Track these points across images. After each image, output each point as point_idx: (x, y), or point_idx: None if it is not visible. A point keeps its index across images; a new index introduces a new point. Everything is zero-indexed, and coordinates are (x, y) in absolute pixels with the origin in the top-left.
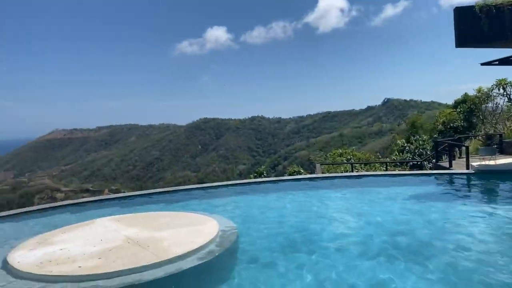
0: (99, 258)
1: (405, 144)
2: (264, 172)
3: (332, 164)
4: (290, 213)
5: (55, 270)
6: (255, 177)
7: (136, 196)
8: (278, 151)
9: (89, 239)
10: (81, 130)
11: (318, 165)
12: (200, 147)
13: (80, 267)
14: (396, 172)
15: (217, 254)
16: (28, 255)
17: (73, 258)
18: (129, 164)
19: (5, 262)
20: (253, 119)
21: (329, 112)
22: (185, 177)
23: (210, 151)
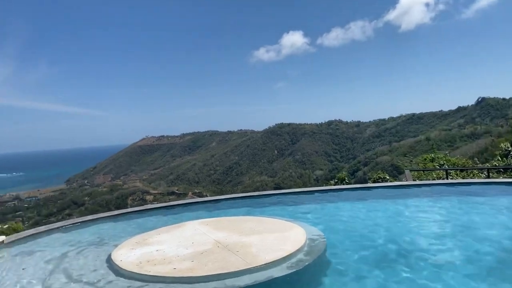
0: (192, 261)
1: (510, 148)
2: (346, 178)
3: (423, 171)
4: (380, 223)
5: (153, 271)
6: (336, 183)
7: (220, 200)
8: (357, 156)
9: (181, 241)
10: (167, 137)
11: (407, 172)
12: (276, 152)
13: (175, 268)
14: (502, 179)
15: (306, 263)
16: (129, 254)
17: (168, 259)
18: (210, 168)
19: (110, 259)
20: (330, 123)
21: (413, 114)
22: (262, 181)
23: (286, 156)
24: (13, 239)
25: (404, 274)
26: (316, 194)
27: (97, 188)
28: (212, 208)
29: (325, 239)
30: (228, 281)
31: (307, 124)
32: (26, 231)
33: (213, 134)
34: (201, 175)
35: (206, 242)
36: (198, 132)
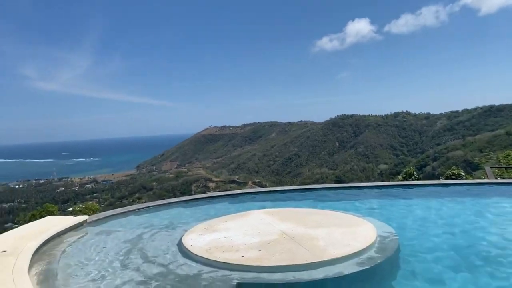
0: (259, 250)
1: None
2: (415, 173)
3: (506, 168)
4: (458, 223)
5: (222, 257)
6: (404, 178)
7: (284, 191)
8: (426, 150)
9: (247, 229)
10: (229, 127)
11: (488, 169)
12: (337, 144)
13: (243, 257)
14: None
15: (378, 261)
16: (198, 239)
17: (236, 247)
18: (270, 159)
19: (181, 243)
20: (396, 115)
21: (492, 106)
22: (322, 174)
23: (348, 149)
24: (94, 218)
25: (486, 280)
26: (385, 188)
27: (164, 174)
28: (274, 198)
29: (397, 237)
30: (296, 274)
31: (371, 116)
32: (105, 212)
33: (273, 125)
34: (261, 165)
35: (272, 232)
36: (258, 122)
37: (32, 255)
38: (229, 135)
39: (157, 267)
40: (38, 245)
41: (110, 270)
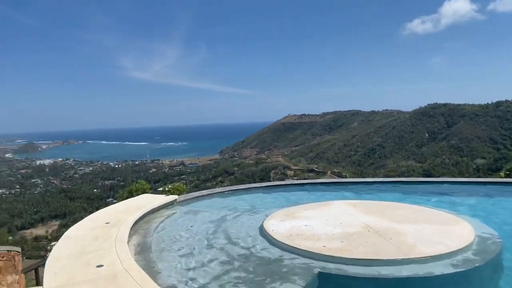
0: (341, 241)
1: None
2: None
3: None
4: None
5: (303, 245)
6: (507, 175)
7: (368, 182)
8: None
9: (329, 219)
10: (309, 115)
11: None
12: (427, 135)
13: (324, 246)
14: None
15: (476, 264)
16: (279, 225)
17: (317, 236)
18: (351, 149)
19: (263, 227)
20: (499, 104)
21: None
22: (408, 167)
23: (439, 141)
24: (183, 198)
25: None
26: (483, 185)
27: (245, 160)
28: (356, 189)
29: (500, 240)
30: (382, 269)
31: (467, 105)
32: (193, 193)
33: (355, 114)
34: (341, 155)
35: (354, 224)
36: (339, 111)
37: (131, 228)
38: (308, 123)
39: (239, 248)
40: (135, 219)
41: (197, 247)
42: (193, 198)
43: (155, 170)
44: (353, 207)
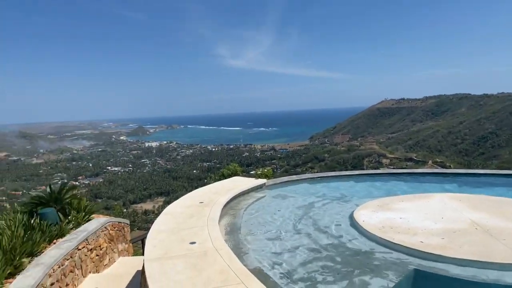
0: (442, 238)
1: None
2: None
3: None
4: None
5: (396, 239)
6: None
7: (479, 174)
8: None
9: (428, 213)
10: (408, 100)
11: None
12: None
13: (421, 242)
14: None
15: None
16: (370, 216)
17: (413, 230)
18: (457, 137)
19: (352, 218)
20: None
21: None
22: None
23: None
24: (271, 183)
25: None
26: None
27: (336, 147)
28: (462, 182)
29: None
30: (491, 273)
31: None
32: (281, 177)
33: (463, 98)
34: (445, 143)
35: (459, 220)
36: (444, 95)
37: (222, 208)
38: (407, 108)
39: (327, 237)
40: (227, 200)
41: (284, 232)
42: (281, 182)
43: (247, 154)
44: (458, 201)
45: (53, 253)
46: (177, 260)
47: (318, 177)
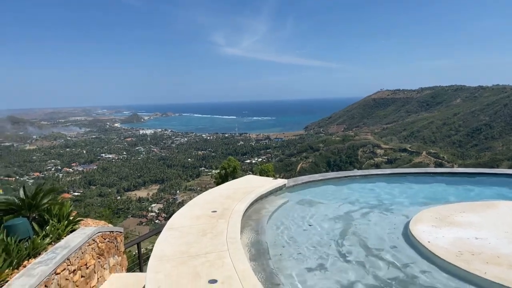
0: None
1: None
2: None
3: None
4: None
5: (490, 273)
6: None
7: None
8: None
9: (507, 230)
10: (403, 90)
11: None
12: None
13: None
14: None
15: None
16: (435, 235)
17: (505, 258)
18: (451, 128)
19: (411, 235)
20: None
21: None
22: None
23: None
24: (292, 183)
25: None
26: None
27: (331, 137)
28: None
29: None
30: None
31: None
32: (302, 177)
33: (458, 89)
34: (439, 134)
35: None
36: (439, 86)
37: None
38: (402, 99)
39: (386, 266)
40: (245, 209)
41: (326, 258)
42: (303, 183)
43: (242, 143)
44: None
45: (20, 283)
46: None
47: (344, 177)
